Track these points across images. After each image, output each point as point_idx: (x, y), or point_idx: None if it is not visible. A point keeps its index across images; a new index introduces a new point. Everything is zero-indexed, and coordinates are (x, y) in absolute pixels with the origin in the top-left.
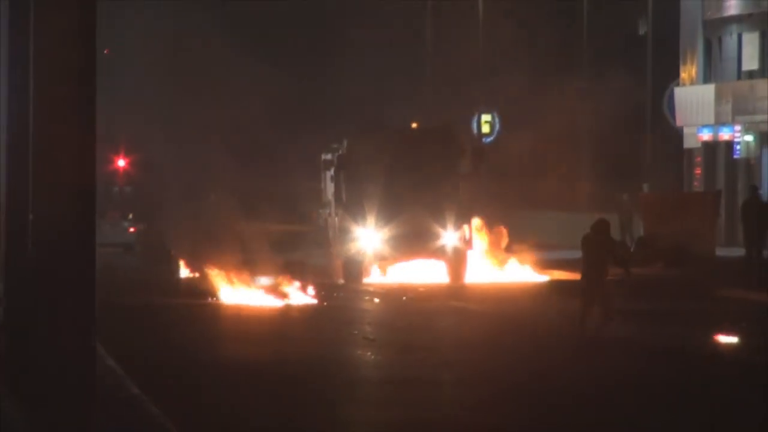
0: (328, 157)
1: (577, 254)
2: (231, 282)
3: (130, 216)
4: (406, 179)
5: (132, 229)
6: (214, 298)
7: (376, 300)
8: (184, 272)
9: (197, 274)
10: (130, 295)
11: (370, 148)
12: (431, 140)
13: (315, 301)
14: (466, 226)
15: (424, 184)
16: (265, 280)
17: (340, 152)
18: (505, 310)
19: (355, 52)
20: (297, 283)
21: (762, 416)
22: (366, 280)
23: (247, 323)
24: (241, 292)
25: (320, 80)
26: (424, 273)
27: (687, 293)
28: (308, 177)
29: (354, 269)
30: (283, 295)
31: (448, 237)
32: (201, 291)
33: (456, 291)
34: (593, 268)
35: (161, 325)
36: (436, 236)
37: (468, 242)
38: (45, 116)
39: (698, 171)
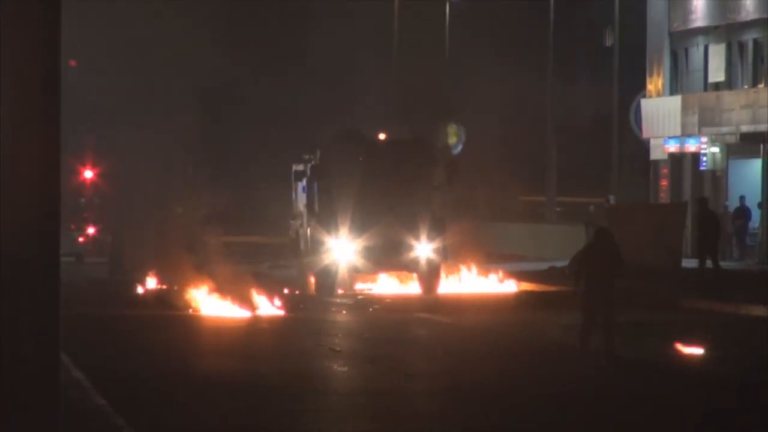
0: (300, 167)
1: (544, 265)
2: (198, 293)
3: (73, 227)
4: (381, 190)
5: (81, 239)
6: (182, 310)
7: (344, 311)
8: (151, 283)
9: (164, 286)
10: (98, 306)
11: (344, 159)
12: (406, 151)
13: (282, 313)
14: (440, 238)
15: (398, 195)
16: (232, 292)
17: (313, 163)
18: (472, 322)
19: (320, 59)
20: (264, 295)
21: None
22: (338, 291)
23: (213, 334)
24: (209, 304)
25: (287, 89)
26: (396, 284)
27: (653, 305)
28: (276, 187)
29: (325, 281)
30: (251, 307)
31: (422, 249)
32: (168, 302)
33: (424, 302)
34: (598, 279)
35: (128, 337)
36: (410, 248)
37: (442, 254)
38: (8, 128)
39: (665, 182)
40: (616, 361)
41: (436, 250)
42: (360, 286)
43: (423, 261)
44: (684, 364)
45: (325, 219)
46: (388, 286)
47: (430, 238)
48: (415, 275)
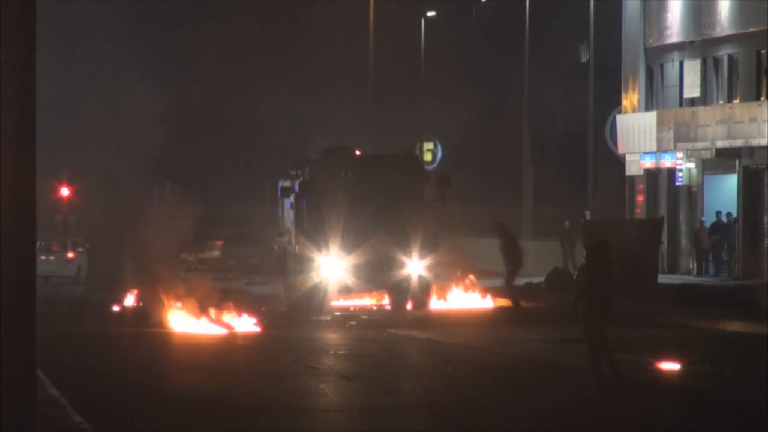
0: (287, 183)
1: (519, 281)
2: (174, 311)
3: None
4: (371, 207)
5: (71, 254)
6: (158, 327)
7: (320, 328)
8: (128, 301)
9: (141, 303)
10: (75, 324)
11: (333, 175)
12: (397, 167)
13: (258, 330)
14: (431, 255)
15: (389, 211)
16: (209, 309)
17: (302, 179)
18: (450, 337)
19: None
20: (242, 312)
21: None
22: (324, 308)
23: (189, 352)
24: (184, 321)
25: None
26: (381, 301)
27: (628, 320)
28: (259, 203)
29: (312, 298)
30: (228, 325)
31: (412, 266)
32: (145, 320)
33: (402, 318)
34: (594, 292)
35: (105, 354)
36: (400, 265)
37: (433, 271)
38: None
39: (640, 198)
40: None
41: (428, 267)
42: (337, 303)
43: (412, 278)
44: (662, 379)
45: (314, 236)
46: (367, 301)
47: (422, 255)
48: (401, 293)
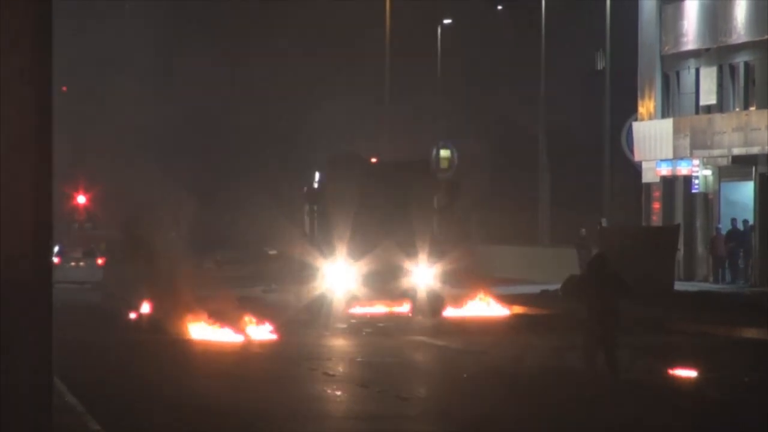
0: (304, 191)
1: (535, 288)
2: (191, 318)
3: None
4: (379, 214)
5: (101, 261)
6: (175, 335)
7: (337, 335)
8: (144, 308)
9: (158, 311)
10: (91, 331)
11: (341, 182)
12: (406, 174)
13: (275, 337)
14: (441, 262)
15: (397, 219)
16: (224, 317)
17: (311, 185)
18: (466, 344)
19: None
20: (257, 320)
21: None
22: (336, 315)
23: (206, 360)
24: (201, 329)
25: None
26: (389, 308)
27: (645, 327)
28: (275, 209)
29: (321, 307)
30: (244, 332)
31: (422, 274)
32: (161, 327)
33: (418, 325)
34: (597, 304)
35: (122, 362)
36: (410, 273)
37: (443, 278)
38: (2, 153)
39: (657, 205)
40: (619, 383)
41: (438, 275)
42: (354, 310)
43: (423, 286)
44: (679, 387)
45: (321, 243)
46: (382, 309)
47: (431, 263)
48: (413, 300)
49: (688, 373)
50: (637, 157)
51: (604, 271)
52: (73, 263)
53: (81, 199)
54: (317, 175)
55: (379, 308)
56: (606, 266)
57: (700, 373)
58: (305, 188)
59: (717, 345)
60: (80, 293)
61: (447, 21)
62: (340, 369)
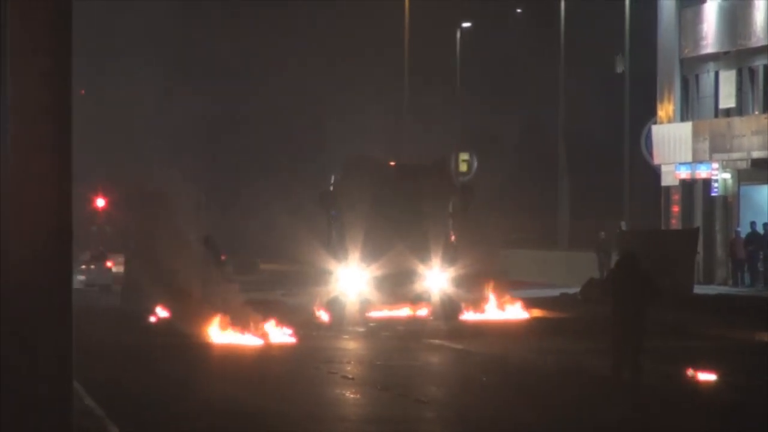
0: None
1: (555, 291)
2: (210, 321)
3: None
4: (392, 218)
5: (109, 264)
6: (194, 338)
7: (355, 339)
8: (164, 312)
9: (176, 314)
10: (111, 335)
11: (353, 186)
12: (418, 177)
13: (294, 341)
14: (455, 266)
15: (411, 222)
16: (244, 320)
17: (327, 188)
18: (484, 348)
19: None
20: (276, 323)
21: None
22: (354, 319)
23: (225, 363)
24: (221, 332)
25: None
26: (408, 311)
27: (665, 331)
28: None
29: (337, 310)
30: (264, 336)
31: (438, 277)
32: (180, 331)
33: (436, 329)
34: (626, 306)
35: (141, 365)
36: (425, 277)
37: (458, 282)
38: (22, 155)
39: (676, 208)
40: (642, 390)
41: (455, 279)
42: (373, 314)
43: (441, 290)
44: (698, 390)
45: (338, 247)
46: (400, 312)
47: (446, 267)
48: (431, 303)
49: (706, 377)
50: (656, 161)
51: (635, 271)
52: (83, 266)
53: (100, 203)
54: (332, 178)
55: (398, 311)
56: (637, 267)
57: (718, 377)
58: (320, 192)
59: (736, 348)
60: (89, 295)
61: (466, 24)
62: (359, 372)
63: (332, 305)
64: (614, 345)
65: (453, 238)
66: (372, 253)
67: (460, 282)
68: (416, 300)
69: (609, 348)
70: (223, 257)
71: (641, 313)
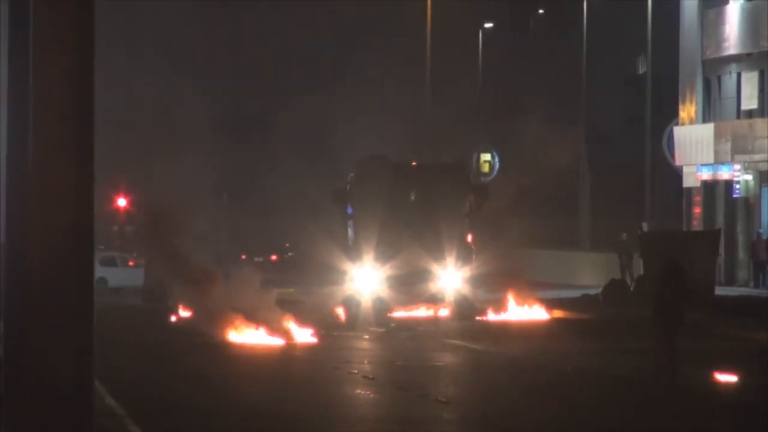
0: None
1: (576, 292)
2: (230, 321)
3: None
4: (407, 218)
5: (131, 263)
6: (215, 338)
7: (375, 339)
8: (185, 311)
9: (197, 314)
10: (132, 334)
11: (369, 186)
12: (434, 177)
13: (314, 340)
14: (471, 265)
15: (426, 222)
16: (265, 320)
17: (335, 188)
18: (504, 349)
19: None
20: (296, 323)
21: None
22: (374, 319)
23: (245, 362)
24: (241, 332)
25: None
26: (427, 312)
27: (687, 332)
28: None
29: (354, 310)
30: (283, 335)
31: (455, 277)
32: (201, 330)
33: (456, 329)
34: (664, 313)
35: (161, 365)
36: (441, 277)
37: (473, 281)
38: (44, 154)
39: (697, 210)
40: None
41: (471, 279)
42: (393, 314)
43: (461, 290)
44: (720, 392)
45: (353, 248)
46: (420, 312)
47: (461, 266)
48: (451, 304)
49: (728, 378)
50: (678, 162)
51: (681, 283)
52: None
53: (121, 202)
54: (349, 177)
55: (418, 312)
56: (684, 279)
57: (739, 378)
58: (334, 189)
59: (757, 350)
60: (111, 294)
61: (488, 24)
62: (379, 372)
63: (348, 304)
64: (658, 348)
65: (470, 238)
66: (391, 252)
67: (480, 282)
68: (431, 300)
69: (652, 350)
70: (243, 256)
71: (680, 318)
